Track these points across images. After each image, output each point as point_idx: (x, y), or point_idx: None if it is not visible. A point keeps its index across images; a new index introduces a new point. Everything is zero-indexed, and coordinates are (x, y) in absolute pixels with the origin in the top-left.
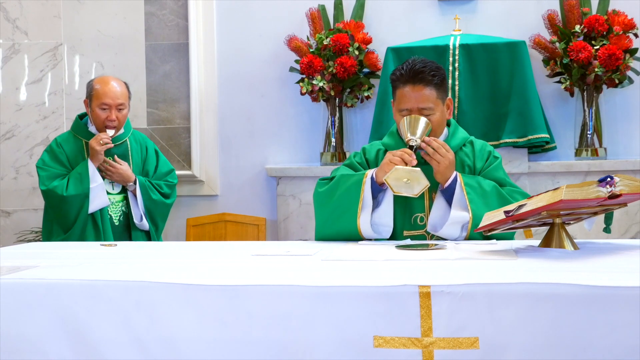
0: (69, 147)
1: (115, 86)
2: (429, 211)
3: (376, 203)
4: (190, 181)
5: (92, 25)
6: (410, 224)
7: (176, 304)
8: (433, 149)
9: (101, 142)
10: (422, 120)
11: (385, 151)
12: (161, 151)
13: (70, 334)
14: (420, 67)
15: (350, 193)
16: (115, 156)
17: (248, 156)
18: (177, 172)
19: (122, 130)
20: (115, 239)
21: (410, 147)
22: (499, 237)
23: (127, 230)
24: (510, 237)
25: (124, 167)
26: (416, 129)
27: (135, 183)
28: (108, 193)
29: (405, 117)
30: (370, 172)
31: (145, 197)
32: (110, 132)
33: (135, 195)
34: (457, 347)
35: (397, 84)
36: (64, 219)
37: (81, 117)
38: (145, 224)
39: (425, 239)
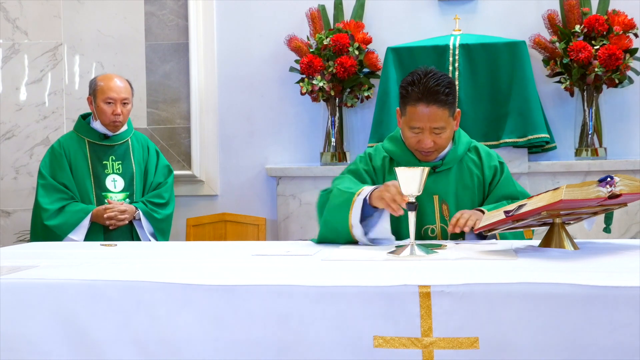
0: (71, 147)
1: (119, 82)
2: (439, 222)
3: (372, 222)
4: (190, 181)
5: (92, 25)
6: (420, 235)
7: (176, 304)
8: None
9: (112, 217)
10: (418, 174)
11: (391, 159)
12: (161, 151)
13: (70, 334)
14: (433, 84)
15: (340, 214)
16: (116, 210)
17: (248, 156)
18: (177, 172)
19: (125, 127)
20: (120, 238)
21: (410, 203)
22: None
23: (130, 229)
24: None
25: (125, 209)
26: (413, 184)
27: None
28: (110, 191)
29: (398, 170)
30: (363, 193)
31: (151, 221)
32: (117, 200)
33: (139, 220)
34: (457, 347)
35: (408, 100)
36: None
37: (84, 117)
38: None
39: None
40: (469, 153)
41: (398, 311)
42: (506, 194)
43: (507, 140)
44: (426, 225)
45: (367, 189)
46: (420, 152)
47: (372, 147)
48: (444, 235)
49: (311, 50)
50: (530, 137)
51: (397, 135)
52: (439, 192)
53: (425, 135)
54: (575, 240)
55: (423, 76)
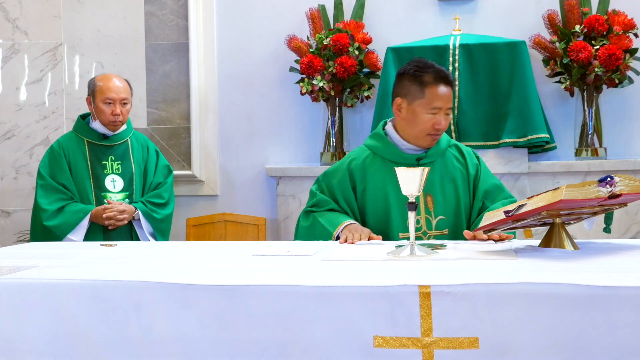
0: (70, 147)
1: (118, 82)
2: (424, 213)
3: None
4: (190, 181)
5: (92, 25)
6: (405, 226)
7: (176, 304)
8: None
9: (111, 217)
10: (418, 174)
11: (373, 155)
12: (161, 151)
13: (70, 334)
14: (441, 68)
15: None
16: (115, 210)
17: (248, 156)
18: (177, 172)
19: (124, 127)
20: (119, 238)
21: (410, 203)
22: None
23: (129, 230)
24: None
25: (124, 209)
26: (413, 184)
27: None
28: (109, 191)
29: (398, 170)
30: (335, 234)
31: (151, 221)
32: (117, 199)
33: (138, 220)
34: (457, 347)
35: (426, 83)
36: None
37: (83, 117)
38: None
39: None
40: (450, 149)
41: (398, 311)
42: (488, 187)
43: (507, 140)
44: None
45: (340, 228)
46: (431, 135)
47: (356, 148)
48: (429, 227)
49: (311, 50)
50: (530, 137)
51: (379, 132)
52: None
53: (441, 116)
54: (575, 240)
55: (429, 63)
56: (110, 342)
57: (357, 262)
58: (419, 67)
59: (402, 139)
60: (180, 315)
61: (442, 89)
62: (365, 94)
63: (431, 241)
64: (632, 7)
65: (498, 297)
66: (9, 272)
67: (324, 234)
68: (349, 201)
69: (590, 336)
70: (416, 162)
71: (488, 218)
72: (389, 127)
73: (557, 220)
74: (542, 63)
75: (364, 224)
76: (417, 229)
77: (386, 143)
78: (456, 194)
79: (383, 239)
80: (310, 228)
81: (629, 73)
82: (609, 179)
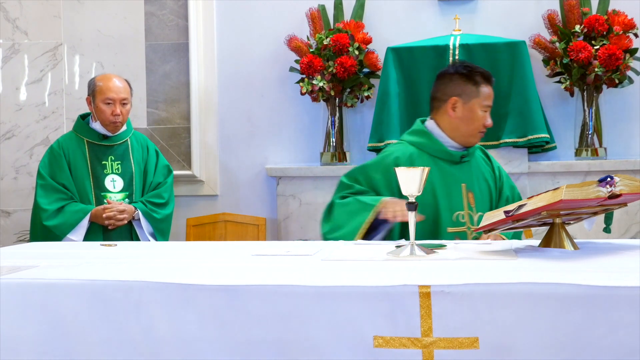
0: (70, 147)
1: (118, 82)
2: (467, 209)
3: (376, 231)
4: (190, 181)
5: (92, 25)
6: (452, 221)
7: (176, 304)
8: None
9: (111, 217)
10: (418, 174)
11: (419, 152)
12: (161, 151)
13: (70, 334)
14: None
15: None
16: (115, 210)
17: (248, 156)
18: (177, 172)
19: (124, 128)
20: (119, 238)
21: (410, 203)
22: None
23: (129, 230)
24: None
25: (124, 209)
26: (413, 185)
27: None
28: (109, 191)
29: (398, 170)
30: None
31: (151, 221)
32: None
33: (138, 220)
34: (457, 347)
35: (480, 82)
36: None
37: (83, 117)
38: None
39: (466, 235)
40: (477, 151)
41: (398, 311)
42: (509, 192)
43: (507, 140)
44: (456, 211)
45: (382, 201)
46: (481, 133)
47: (393, 145)
48: (471, 222)
49: (311, 50)
50: (530, 137)
51: (421, 129)
52: (465, 180)
53: (488, 114)
54: (575, 240)
55: (470, 63)
56: (110, 342)
57: (357, 262)
58: (469, 67)
59: (448, 137)
60: (180, 315)
61: (490, 88)
62: (365, 94)
63: (431, 241)
64: (632, 7)
65: (498, 297)
66: (9, 272)
67: (364, 208)
68: (394, 196)
69: (590, 336)
70: (460, 159)
71: (488, 218)
72: (432, 125)
73: (557, 220)
74: (542, 63)
75: None
76: (462, 224)
77: (432, 139)
78: (489, 192)
79: (432, 235)
80: (347, 205)
81: (629, 73)
82: (609, 179)
